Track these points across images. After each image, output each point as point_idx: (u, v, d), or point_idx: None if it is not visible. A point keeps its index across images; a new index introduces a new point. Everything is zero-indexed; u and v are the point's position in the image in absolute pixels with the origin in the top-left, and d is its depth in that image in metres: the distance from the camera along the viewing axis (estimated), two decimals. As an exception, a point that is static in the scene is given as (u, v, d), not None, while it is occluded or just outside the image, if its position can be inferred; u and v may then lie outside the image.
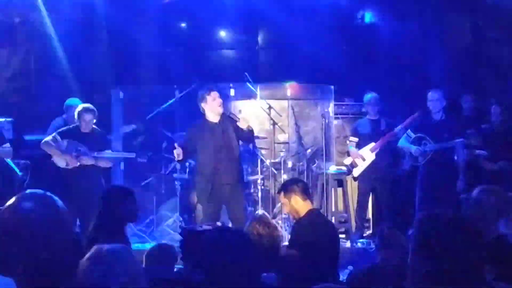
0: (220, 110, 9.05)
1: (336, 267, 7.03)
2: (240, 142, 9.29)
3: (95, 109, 9.66)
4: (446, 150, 10.01)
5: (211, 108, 9.04)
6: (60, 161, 9.51)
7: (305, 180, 10.99)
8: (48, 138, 9.56)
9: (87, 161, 9.53)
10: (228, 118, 9.18)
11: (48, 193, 2.37)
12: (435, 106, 10.03)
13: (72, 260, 2.30)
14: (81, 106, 9.68)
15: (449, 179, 10.00)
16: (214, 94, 9.03)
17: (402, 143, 10.39)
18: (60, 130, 9.64)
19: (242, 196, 9.43)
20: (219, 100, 9.04)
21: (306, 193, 7.10)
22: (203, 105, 9.10)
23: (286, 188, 7.22)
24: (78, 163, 9.50)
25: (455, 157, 10.11)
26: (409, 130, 10.32)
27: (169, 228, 10.98)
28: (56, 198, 2.37)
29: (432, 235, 2.59)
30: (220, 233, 3.07)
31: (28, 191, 2.45)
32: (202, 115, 9.17)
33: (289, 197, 7.07)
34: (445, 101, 10.10)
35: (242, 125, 9.03)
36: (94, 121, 9.65)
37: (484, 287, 2.56)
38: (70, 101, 10.39)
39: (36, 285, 2.22)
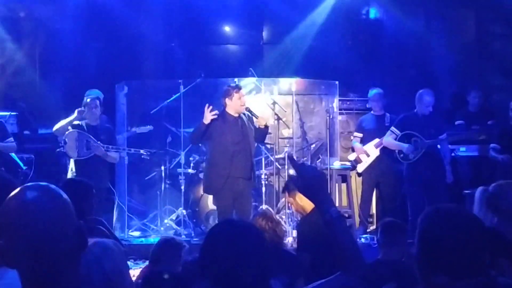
0: (243, 109, 9.25)
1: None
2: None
3: (99, 98, 9.69)
4: (435, 146, 10.02)
5: (234, 105, 9.21)
6: (72, 151, 9.50)
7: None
8: (60, 123, 9.58)
9: (99, 152, 9.53)
10: (245, 114, 9.38)
11: (52, 185, 2.37)
12: (425, 108, 10.02)
13: (75, 252, 2.30)
14: (88, 96, 9.73)
15: (437, 174, 10.01)
16: (241, 93, 9.24)
17: (389, 140, 10.34)
18: (70, 120, 9.64)
19: (251, 192, 9.65)
20: (244, 100, 9.25)
21: None
22: (227, 100, 9.25)
23: (288, 188, 7.20)
24: (91, 154, 9.51)
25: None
26: (393, 127, 10.28)
27: (173, 222, 10.99)
28: (60, 190, 2.37)
29: (437, 228, 2.60)
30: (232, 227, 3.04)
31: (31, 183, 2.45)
32: (222, 107, 9.34)
33: (293, 196, 7.03)
34: (432, 105, 10.07)
35: (260, 123, 9.24)
36: (99, 113, 9.68)
37: (487, 280, 2.56)
38: (90, 92, 10.37)
39: (38, 276, 2.22)
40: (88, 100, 9.67)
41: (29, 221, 2.20)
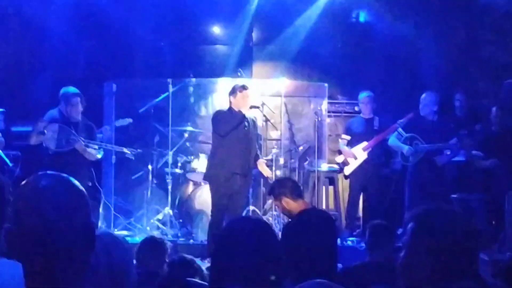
0: (246, 109, 9.52)
1: (333, 264, 6.99)
2: None
3: (81, 93, 9.65)
4: (437, 151, 10.05)
5: (238, 103, 9.46)
6: (50, 143, 9.45)
7: (296, 177, 11.01)
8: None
9: (79, 147, 9.49)
10: (251, 116, 9.79)
11: (68, 176, 2.34)
12: (427, 109, 10.07)
13: (83, 250, 2.26)
14: (64, 90, 9.66)
15: (438, 180, 10.05)
16: (247, 92, 9.48)
17: (393, 141, 10.41)
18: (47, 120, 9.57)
19: (247, 190, 9.96)
20: (248, 101, 9.54)
21: (297, 193, 7.02)
22: (231, 97, 9.53)
23: (274, 192, 7.18)
24: (70, 146, 9.48)
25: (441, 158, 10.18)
26: (400, 129, 10.33)
27: (159, 222, 10.96)
28: (76, 182, 2.34)
29: (429, 229, 2.59)
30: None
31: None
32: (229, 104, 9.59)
33: (280, 200, 7.02)
34: (437, 105, 10.13)
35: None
36: (81, 109, 9.63)
37: (476, 282, 2.55)
38: (65, 89, 10.33)
39: (42, 269, 2.18)
40: (69, 95, 9.60)
41: (40, 209, 2.17)
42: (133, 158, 10.55)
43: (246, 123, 9.49)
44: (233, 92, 9.50)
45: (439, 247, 2.54)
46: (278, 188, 7.09)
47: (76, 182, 2.31)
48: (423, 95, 10.17)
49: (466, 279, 2.51)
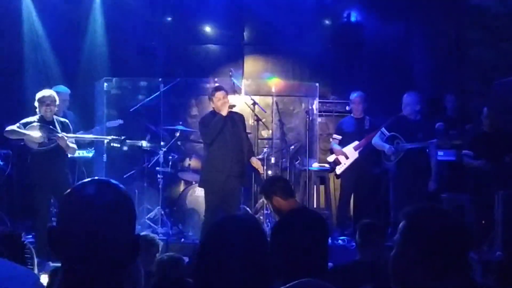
0: (224, 110, 9.39)
1: (324, 263, 7.00)
2: None
3: (54, 94, 9.62)
4: (418, 150, 10.07)
5: (216, 106, 9.43)
6: (32, 143, 9.45)
7: (287, 177, 11.03)
8: (12, 126, 9.48)
9: (62, 142, 9.51)
10: (238, 114, 9.78)
11: (119, 184, 2.34)
12: (409, 109, 10.10)
13: (124, 259, 2.26)
14: (41, 92, 9.65)
15: (420, 179, 10.08)
16: (219, 94, 9.42)
17: (376, 140, 10.43)
18: (23, 121, 9.55)
19: (241, 191, 9.93)
20: (224, 101, 9.41)
21: (287, 191, 7.00)
22: (210, 101, 9.56)
23: (265, 190, 7.17)
24: (53, 144, 9.48)
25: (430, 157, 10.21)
26: (383, 128, 10.35)
27: (150, 221, 10.97)
28: (125, 191, 2.34)
29: (421, 227, 2.62)
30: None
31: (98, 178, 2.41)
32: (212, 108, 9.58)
33: (270, 199, 7.02)
34: (420, 105, 10.16)
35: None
36: (56, 108, 9.62)
37: (465, 281, 2.58)
38: (56, 88, 10.34)
39: (81, 273, 2.19)
40: (41, 96, 9.60)
41: (85, 217, 2.18)
42: (119, 145, 10.57)
43: (231, 123, 9.45)
44: (210, 95, 9.54)
45: (430, 246, 2.56)
46: (269, 187, 7.08)
47: (123, 190, 2.32)
48: (405, 95, 10.19)
49: (456, 278, 2.54)
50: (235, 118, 9.58)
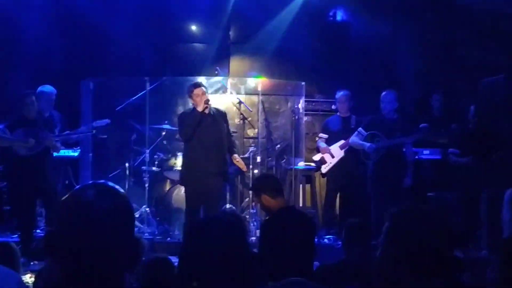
0: (203, 106, 9.29)
1: (310, 262, 7.01)
2: None
3: (34, 93, 9.61)
4: (397, 147, 10.08)
5: (195, 102, 9.35)
6: (21, 149, 9.42)
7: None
8: None
9: (50, 143, 9.49)
10: (219, 111, 9.66)
11: (117, 188, 2.33)
12: (386, 107, 10.11)
13: (123, 263, 2.25)
14: (23, 93, 9.63)
15: (401, 176, 10.10)
16: (198, 91, 9.32)
17: (354, 140, 10.42)
18: (6, 123, 9.52)
19: (221, 189, 9.82)
20: (203, 97, 9.30)
21: (276, 190, 6.97)
22: (189, 98, 9.51)
23: (254, 188, 7.16)
24: (41, 144, 9.46)
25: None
26: (360, 128, 10.35)
27: (136, 220, 10.93)
28: (124, 195, 2.33)
29: (405, 228, 2.61)
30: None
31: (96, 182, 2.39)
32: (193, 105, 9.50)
33: (259, 196, 7.00)
34: (397, 103, 10.17)
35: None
36: (36, 108, 9.60)
37: (450, 280, 2.58)
38: (42, 88, 10.31)
39: (77, 276, 2.18)
40: (22, 96, 9.57)
41: (85, 220, 2.17)
42: (105, 136, 10.60)
43: (212, 120, 9.38)
44: (188, 92, 9.46)
45: (414, 247, 2.56)
46: (259, 184, 7.07)
47: (122, 193, 2.31)
48: (383, 94, 10.21)
49: (441, 278, 2.54)
50: (216, 115, 9.49)
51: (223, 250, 2.72)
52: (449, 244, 2.63)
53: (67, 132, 10.39)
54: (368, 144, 10.15)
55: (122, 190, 2.34)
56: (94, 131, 10.37)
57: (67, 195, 2.27)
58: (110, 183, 2.34)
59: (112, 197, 2.27)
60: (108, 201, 2.24)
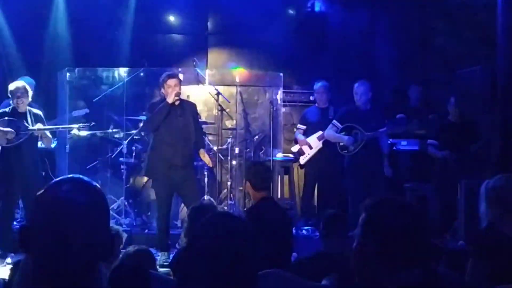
0: (174, 98, 9.18)
1: (288, 254, 7.02)
2: None
3: (25, 85, 9.55)
4: (375, 139, 10.09)
5: (167, 93, 9.21)
6: (1, 139, 9.38)
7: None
8: None
9: (38, 132, 9.48)
10: (189, 103, 9.57)
11: (92, 182, 2.32)
12: (360, 98, 10.10)
13: (97, 257, 2.24)
14: (12, 84, 9.58)
15: (377, 167, 10.12)
16: (171, 81, 9.22)
17: (329, 133, 10.40)
18: None
19: (194, 180, 9.63)
20: (175, 89, 9.19)
21: (262, 182, 6.96)
22: (162, 89, 9.34)
23: (245, 171, 7.26)
24: (21, 139, 9.40)
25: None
26: (334, 121, 10.33)
27: (114, 212, 10.90)
28: (99, 189, 2.32)
29: (381, 219, 2.61)
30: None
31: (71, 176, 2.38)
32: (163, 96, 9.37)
33: (245, 182, 7.08)
34: (371, 93, 10.16)
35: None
36: (29, 99, 9.54)
37: (426, 272, 2.59)
38: (22, 79, 10.24)
39: (50, 271, 2.16)
40: (12, 88, 9.52)
41: (60, 215, 2.16)
42: (88, 129, 10.55)
43: (180, 112, 9.28)
44: (161, 83, 9.32)
45: (389, 239, 2.56)
46: (248, 170, 7.14)
47: (97, 188, 2.30)
48: (356, 85, 10.18)
49: (416, 269, 2.54)
50: (185, 107, 9.40)
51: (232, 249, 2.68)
52: (425, 235, 2.63)
53: (52, 127, 10.24)
54: (346, 137, 10.12)
55: (97, 185, 2.33)
56: (81, 126, 10.24)
57: (42, 190, 2.26)
58: (86, 178, 2.33)
59: (87, 191, 2.26)
60: (83, 195, 2.23)
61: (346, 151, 10.19)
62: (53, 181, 2.32)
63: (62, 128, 10.50)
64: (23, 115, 9.46)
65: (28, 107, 9.52)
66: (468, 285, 4.67)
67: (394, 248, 2.55)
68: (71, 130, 10.45)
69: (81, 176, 2.34)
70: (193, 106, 9.67)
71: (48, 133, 9.72)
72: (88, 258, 2.20)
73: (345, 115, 10.28)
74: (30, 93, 9.53)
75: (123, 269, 4.53)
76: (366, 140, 10.00)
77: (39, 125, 9.46)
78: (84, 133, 10.73)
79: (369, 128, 10.01)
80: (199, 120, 10.08)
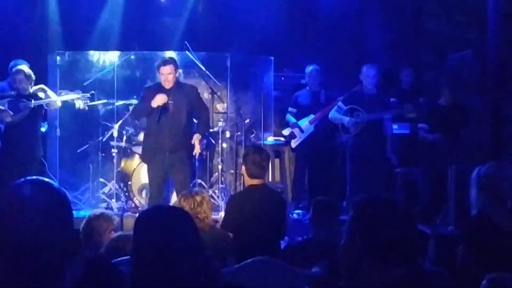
0: (167, 85, 9.13)
1: (277, 242, 7.04)
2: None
3: (25, 70, 9.59)
4: (377, 123, 10.10)
5: (161, 79, 9.19)
6: (7, 117, 9.48)
7: (242, 150, 10.96)
8: None
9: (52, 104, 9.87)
10: (187, 88, 9.46)
11: (53, 183, 2.33)
12: (370, 82, 10.10)
13: (62, 255, 2.24)
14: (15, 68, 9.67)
15: (379, 151, 10.13)
16: (163, 69, 9.11)
17: (333, 114, 10.41)
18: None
19: (186, 165, 9.53)
20: (168, 77, 9.09)
21: (255, 170, 6.95)
22: (158, 74, 9.29)
23: (244, 153, 7.31)
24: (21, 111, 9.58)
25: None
26: (340, 102, 10.34)
27: (105, 195, 10.90)
28: (61, 189, 2.33)
29: (368, 217, 2.62)
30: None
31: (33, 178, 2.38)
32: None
33: (242, 166, 7.12)
34: (379, 77, 10.17)
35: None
36: (31, 84, 9.61)
37: (413, 268, 2.60)
38: (15, 63, 10.22)
39: (15, 272, 2.17)
40: (14, 70, 9.63)
41: (20, 218, 2.16)
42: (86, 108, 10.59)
43: (178, 96, 9.17)
44: (157, 68, 9.26)
45: (376, 236, 2.57)
46: (247, 153, 7.13)
47: (58, 189, 2.31)
48: (365, 68, 10.16)
49: (403, 267, 2.55)
50: (181, 92, 9.28)
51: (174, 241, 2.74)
52: (412, 233, 2.65)
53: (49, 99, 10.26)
54: (347, 119, 10.13)
55: (58, 186, 2.35)
56: (78, 96, 10.29)
57: (2, 192, 2.27)
58: (46, 179, 2.36)
59: (48, 193, 2.27)
60: (44, 197, 2.25)
61: (346, 132, 10.19)
62: (13, 183, 2.32)
63: (64, 99, 10.45)
64: (27, 97, 9.61)
65: (33, 89, 9.70)
66: (454, 281, 4.72)
67: (381, 245, 2.56)
68: (73, 100, 10.46)
69: (41, 178, 2.36)
70: (192, 89, 9.52)
71: (51, 97, 9.94)
72: (52, 258, 2.20)
73: (350, 97, 10.29)
74: (33, 77, 9.77)
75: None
76: (367, 122, 10.01)
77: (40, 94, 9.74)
78: (91, 103, 10.69)
79: (372, 112, 10.02)
80: (204, 103, 9.93)
